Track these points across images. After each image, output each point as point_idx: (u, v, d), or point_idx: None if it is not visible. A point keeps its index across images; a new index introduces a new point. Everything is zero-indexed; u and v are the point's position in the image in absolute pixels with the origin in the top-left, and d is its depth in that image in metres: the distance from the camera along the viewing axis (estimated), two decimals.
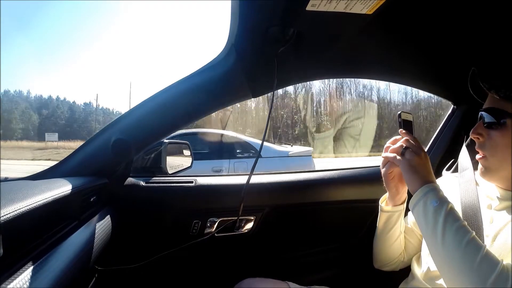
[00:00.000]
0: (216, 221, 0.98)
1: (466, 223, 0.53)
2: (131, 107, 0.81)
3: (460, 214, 0.58)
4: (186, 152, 1.19)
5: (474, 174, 0.67)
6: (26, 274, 0.43)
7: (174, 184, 0.97)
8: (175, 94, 0.78)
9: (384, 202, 0.76)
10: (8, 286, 0.39)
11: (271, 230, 1.03)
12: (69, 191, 0.60)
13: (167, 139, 0.98)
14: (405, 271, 0.78)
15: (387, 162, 0.68)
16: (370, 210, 0.94)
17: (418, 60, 0.88)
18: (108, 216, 0.80)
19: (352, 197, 1.08)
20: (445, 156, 1.05)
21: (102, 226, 0.74)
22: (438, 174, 0.88)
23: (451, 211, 0.53)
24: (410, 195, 0.61)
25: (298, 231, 1.07)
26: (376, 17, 0.57)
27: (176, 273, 0.98)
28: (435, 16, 0.65)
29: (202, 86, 0.77)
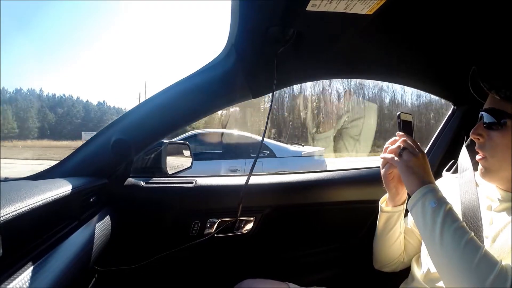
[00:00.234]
0: (215, 222, 0.98)
1: (464, 223, 0.53)
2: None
3: (460, 215, 0.58)
4: (186, 153, 1.19)
5: (474, 175, 0.67)
6: (26, 274, 0.43)
7: (174, 185, 0.97)
8: (175, 94, 0.78)
9: (384, 203, 0.76)
10: (8, 286, 0.39)
11: (271, 231, 1.03)
12: (69, 191, 0.60)
13: (167, 138, 0.98)
14: (405, 272, 0.78)
15: (386, 163, 0.68)
16: (370, 211, 0.94)
17: (418, 61, 0.89)
18: (108, 216, 0.80)
19: (352, 198, 1.08)
20: (445, 157, 1.05)
21: (102, 226, 0.74)
22: (438, 174, 0.88)
23: (450, 212, 0.53)
24: (410, 196, 0.61)
25: (298, 231, 1.07)
26: (376, 17, 0.57)
27: (176, 274, 0.98)
28: (435, 16, 0.65)
29: (202, 87, 0.77)
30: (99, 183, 0.78)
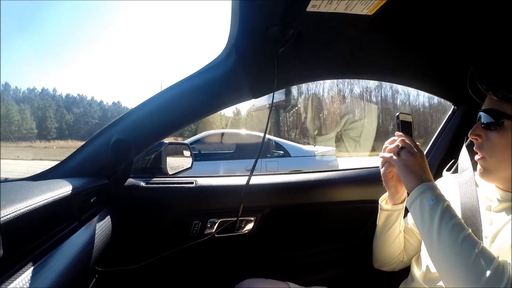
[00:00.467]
0: (216, 222, 0.98)
1: (462, 220, 0.53)
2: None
3: (460, 215, 0.58)
4: (186, 153, 1.19)
5: (474, 175, 0.67)
6: (26, 275, 0.43)
7: (174, 185, 0.97)
8: (175, 94, 0.78)
9: (384, 201, 0.77)
10: (9, 287, 0.39)
11: (271, 231, 1.03)
12: (69, 191, 0.60)
13: (166, 138, 0.98)
14: (405, 272, 0.78)
15: (385, 162, 0.69)
16: (370, 210, 0.94)
17: (418, 61, 0.89)
18: (108, 216, 0.80)
19: (352, 198, 1.08)
20: (445, 157, 1.05)
21: (102, 226, 0.74)
22: (439, 174, 0.88)
23: (447, 209, 0.54)
24: (409, 194, 0.61)
25: (298, 231, 1.07)
26: (376, 18, 0.57)
27: (176, 274, 0.98)
28: (435, 16, 0.66)
29: (203, 87, 0.77)
30: (100, 184, 0.78)
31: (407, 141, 0.64)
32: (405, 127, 0.69)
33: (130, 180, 0.94)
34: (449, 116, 1.11)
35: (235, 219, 0.96)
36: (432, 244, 0.53)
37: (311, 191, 1.05)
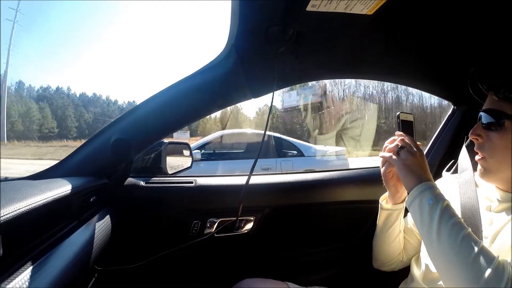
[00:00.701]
0: (215, 222, 0.98)
1: (462, 219, 0.53)
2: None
3: (459, 215, 0.58)
4: (186, 153, 1.19)
5: (474, 175, 0.67)
6: (25, 274, 0.43)
7: (174, 185, 0.97)
8: (175, 94, 0.78)
9: (384, 200, 0.77)
10: (8, 286, 0.39)
11: (270, 231, 1.03)
12: (69, 191, 0.60)
13: (166, 138, 0.98)
14: (405, 272, 0.78)
15: (386, 161, 0.69)
16: (370, 210, 0.94)
17: (418, 61, 0.89)
18: (108, 216, 0.80)
19: (352, 198, 1.08)
20: (445, 157, 1.05)
21: (102, 226, 0.74)
22: (438, 175, 0.88)
23: (447, 208, 0.54)
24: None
25: (298, 231, 1.07)
26: (376, 17, 0.57)
27: (176, 273, 0.98)
28: (435, 16, 0.66)
29: (202, 87, 0.77)
30: (99, 183, 0.78)
31: (407, 141, 0.64)
32: (406, 126, 0.70)
33: (130, 180, 0.94)
34: (448, 116, 1.11)
35: (234, 218, 0.96)
36: (431, 244, 0.53)
37: (311, 191, 1.05)
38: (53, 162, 0.80)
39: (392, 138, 0.69)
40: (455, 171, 0.79)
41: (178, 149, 1.16)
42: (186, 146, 1.19)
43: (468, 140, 0.72)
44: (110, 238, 0.79)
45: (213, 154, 4.13)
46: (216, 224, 0.98)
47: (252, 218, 1.01)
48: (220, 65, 0.75)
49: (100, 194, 0.80)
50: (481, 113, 0.59)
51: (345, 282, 1.05)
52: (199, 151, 3.94)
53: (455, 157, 0.80)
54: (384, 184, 0.73)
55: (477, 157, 0.61)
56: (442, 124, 1.12)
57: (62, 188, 0.59)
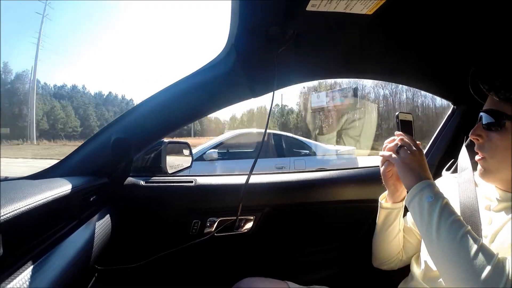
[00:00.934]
0: (215, 221, 0.98)
1: (461, 217, 0.53)
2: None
3: (458, 214, 0.58)
4: (186, 152, 1.19)
5: (474, 174, 0.67)
6: (26, 274, 0.43)
7: (174, 184, 0.98)
8: (175, 93, 0.78)
9: (384, 199, 0.77)
10: (8, 286, 0.39)
11: (270, 230, 1.03)
12: (69, 190, 0.60)
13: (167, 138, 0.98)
14: (405, 271, 0.78)
15: (385, 161, 0.69)
16: (370, 210, 0.94)
17: (418, 60, 0.89)
18: (108, 215, 0.80)
19: (351, 197, 1.08)
20: (444, 156, 1.05)
21: (102, 225, 0.74)
22: (438, 174, 0.88)
23: (446, 206, 0.54)
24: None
25: (298, 231, 1.07)
26: (376, 17, 0.57)
27: (176, 273, 0.98)
28: (435, 16, 0.65)
29: (202, 86, 0.77)
30: (99, 182, 0.78)
31: (406, 140, 0.64)
32: (405, 126, 0.70)
33: (130, 179, 0.94)
34: (448, 115, 1.11)
35: (234, 218, 0.96)
36: (431, 242, 0.53)
37: (311, 190, 1.05)
38: None
39: (391, 137, 0.69)
40: (455, 171, 0.79)
41: (178, 148, 1.16)
42: (186, 145, 1.19)
43: (468, 140, 0.72)
44: (110, 237, 0.79)
45: (228, 153, 4.18)
46: (216, 224, 0.98)
47: (252, 218, 1.01)
48: (220, 65, 0.75)
49: (100, 193, 0.80)
50: (482, 114, 0.59)
51: (345, 281, 1.05)
52: (215, 150, 3.98)
53: (455, 156, 0.80)
54: (383, 183, 0.73)
55: (477, 157, 0.61)
56: (442, 124, 1.12)
57: (62, 187, 0.59)
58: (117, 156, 0.80)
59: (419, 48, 0.80)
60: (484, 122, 0.58)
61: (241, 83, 0.79)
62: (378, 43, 0.78)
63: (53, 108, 38.92)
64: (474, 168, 0.66)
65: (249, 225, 1.01)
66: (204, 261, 1.00)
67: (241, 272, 0.88)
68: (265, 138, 4.34)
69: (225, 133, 4.82)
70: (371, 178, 1.07)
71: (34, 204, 0.47)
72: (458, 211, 0.61)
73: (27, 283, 0.42)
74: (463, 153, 0.74)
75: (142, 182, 0.95)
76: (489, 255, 0.47)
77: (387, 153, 0.66)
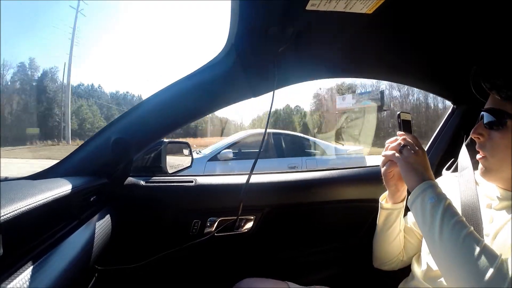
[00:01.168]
0: (216, 221, 0.98)
1: (464, 218, 0.53)
2: None
3: (460, 213, 0.58)
4: (186, 152, 1.19)
5: (474, 173, 0.67)
6: (26, 274, 0.43)
7: (174, 184, 0.97)
8: (175, 93, 0.78)
9: (384, 200, 0.77)
10: (8, 286, 0.39)
11: (270, 230, 1.03)
12: (69, 190, 0.60)
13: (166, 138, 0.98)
14: (405, 271, 0.78)
15: (387, 160, 0.69)
16: (370, 209, 0.94)
17: (418, 60, 0.88)
18: (108, 215, 0.80)
19: (352, 197, 1.08)
20: (444, 156, 1.05)
21: (102, 225, 0.74)
22: (438, 173, 0.88)
23: (449, 207, 0.54)
24: (410, 193, 0.61)
25: (298, 231, 1.07)
26: (375, 16, 0.57)
27: (176, 273, 0.98)
28: (435, 15, 0.65)
29: (202, 86, 0.77)
30: (99, 183, 0.78)
31: (409, 139, 0.64)
32: (406, 126, 0.70)
33: (130, 179, 0.94)
34: (448, 115, 1.11)
35: (234, 218, 0.96)
36: (433, 243, 0.53)
37: (311, 190, 1.05)
38: None
39: (394, 137, 0.69)
40: (455, 170, 0.79)
41: (178, 148, 1.16)
42: (186, 145, 1.20)
43: (468, 139, 0.72)
44: (110, 237, 0.79)
45: (241, 153, 4.23)
46: (216, 224, 0.98)
47: (252, 217, 1.01)
48: (220, 65, 0.75)
49: (100, 193, 0.80)
50: (483, 112, 0.59)
51: (345, 282, 1.05)
52: (229, 150, 4.03)
53: (455, 156, 0.80)
54: (383, 183, 0.73)
55: (478, 156, 0.61)
56: (442, 123, 1.12)
57: (62, 187, 0.59)
58: (117, 156, 0.80)
59: (419, 47, 0.80)
60: (485, 121, 0.58)
61: (241, 82, 0.79)
62: (377, 43, 0.77)
63: (80, 107, 37.84)
64: (475, 167, 0.66)
65: (249, 225, 1.01)
66: (204, 261, 1.00)
67: (241, 272, 0.88)
68: (272, 139, 4.44)
69: (239, 132, 4.92)
70: (371, 177, 1.07)
71: (34, 204, 0.47)
72: (459, 209, 0.61)
73: (27, 283, 0.42)
74: (464, 152, 0.74)
75: (142, 182, 0.95)
76: (492, 257, 0.47)
77: (389, 153, 0.66)
